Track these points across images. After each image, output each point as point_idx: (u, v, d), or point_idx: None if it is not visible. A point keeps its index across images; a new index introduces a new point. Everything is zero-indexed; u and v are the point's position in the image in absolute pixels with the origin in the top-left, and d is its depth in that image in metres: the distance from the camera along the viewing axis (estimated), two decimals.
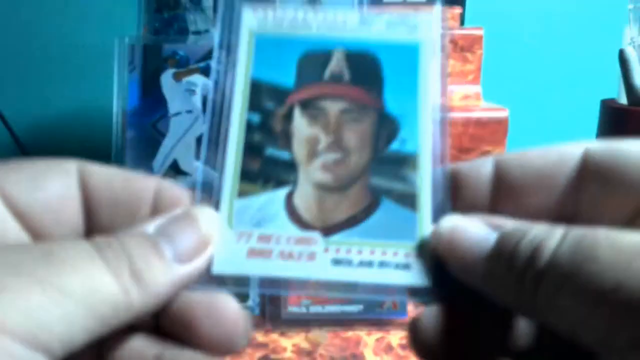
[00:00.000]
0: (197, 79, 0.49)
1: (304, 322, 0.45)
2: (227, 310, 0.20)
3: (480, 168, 0.21)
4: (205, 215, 0.20)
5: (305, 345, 0.43)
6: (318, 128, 0.23)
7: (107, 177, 0.21)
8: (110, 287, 0.16)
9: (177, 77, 0.49)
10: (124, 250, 0.17)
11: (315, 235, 0.22)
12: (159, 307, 0.18)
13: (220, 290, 0.20)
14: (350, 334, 0.45)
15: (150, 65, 0.49)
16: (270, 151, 0.23)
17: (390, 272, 0.21)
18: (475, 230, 0.19)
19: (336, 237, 0.22)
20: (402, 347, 0.44)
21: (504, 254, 0.18)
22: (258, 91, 0.24)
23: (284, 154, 0.23)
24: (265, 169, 0.23)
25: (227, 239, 0.22)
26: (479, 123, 0.51)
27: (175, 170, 0.48)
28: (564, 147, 0.20)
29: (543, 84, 0.77)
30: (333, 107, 0.24)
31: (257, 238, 0.22)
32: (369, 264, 0.21)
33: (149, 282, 0.17)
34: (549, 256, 0.16)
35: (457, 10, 0.57)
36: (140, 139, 0.49)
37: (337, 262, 0.21)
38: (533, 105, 0.76)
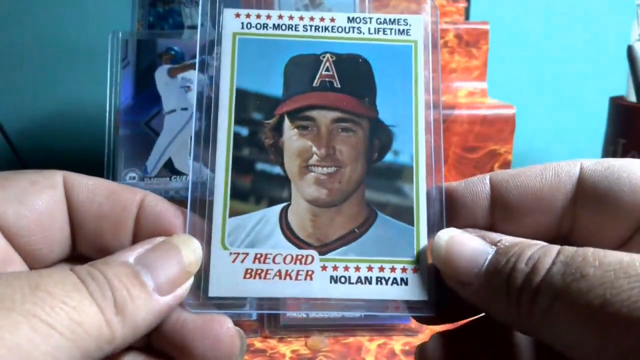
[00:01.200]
0: (193, 75, 0.48)
1: (303, 328, 0.44)
2: (223, 332, 0.20)
3: (477, 187, 0.22)
4: (188, 244, 0.20)
5: (304, 351, 0.42)
6: (309, 140, 0.23)
7: (91, 189, 0.21)
8: (95, 321, 0.16)
9: (172, 74, 0.48)
10: (107, 282, 0.17)
11: (312, 254, 0.21)
12: (138, 338, 0.19)
13: (217, 313, 0.20)
14: (351, 339, 0.44)
15: (144, 61, 0.48)
16: (261, 166, 0.22)
17: (388, 288, 0.21)
18: (472, 244, 0.20)
19: (333, 255, 0.21)
20: (405, 353, 0.43)
21: (502, 271, 0.18)
22: (244, 102, 0.23)
23: (275, 169, 0.22)
24: (256, 185, 0.22)
25: (222, 261, 0.21)
26: (485, 121, 0.49)
27: (170, 170, 0.47)
28: (560, 166, 0.21)
29: (550, 80, 0.77)
30: (324, 117, 0.23)
31: (252, 258, 0.21)
32: (367, 280, 0.21)
33: (131, 315, 0.18)
34: (543, 274, 0.17)
35: (462, 4, 0.56)
36: (133, 137, 0.48)
37: (334, 279, 0.21)
38: (540, 102, 0.75)
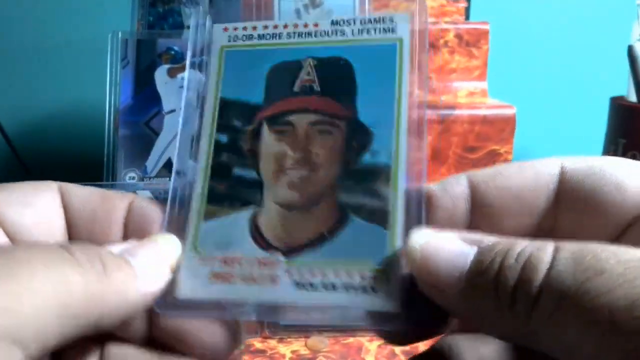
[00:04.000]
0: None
1: (303, 328, 0.44)
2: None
3: (456, 189, 0.20)
4: (168, 241, 0.21)
5: (304, 352, 0.42)
6: (286, 144, 0.22)
7: (85, 195, 0.22)
8: (81, 284, 0.17)
9: (172, 73, 0.48)
10: (96, 253, 0.18)
11: (278, 257, 0.21)
12: (125, 317, 0.19)
13: (187, 316, 0.20)
14: (351, 340, 0.44)
15: (144, 61, 0.49)
16: (238, 171, 0.22)
17: (355, 296, 0.19)
18: (451, 246, 0.18)
19: (299, 259, 0.21)
20: (406, 353, 0.43)
21: (488, 271, 0.16)
22: (227, 110, 0.23)
23: (250, 173, 0.22)
24: (232, 190, 0.22)
25: (192, 264, 0.21)
26: (486, 121, 0.49)
27: (169, 170, 0.47)
28: (540, 164, 0.20)
29: (551, 80, 0.77)
30: (302, 121, 0.22)
31: (220, 262, 0.21)
32: (333, 286, 0.20)
33: (118, 283, 0.18)
34: (545, 271, 0.15)
35: (463, 4, 0.56)
36: (133, 137, 0.48)
37: (299, 285, 0.20)
38: (541, 103, 0.75)
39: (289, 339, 0.44)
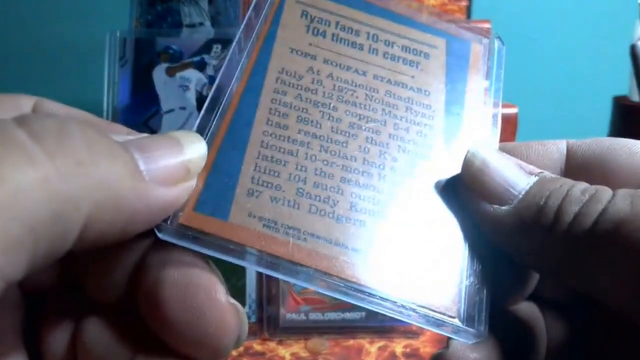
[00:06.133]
0: (191, 74, 0.47)
1: (303, 330, 0.44)
2: (208, 302, 0.15)
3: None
4: (192, 140, 0.16)
5: (304, 354, 0.42)
6: None
7: (62, 113, 0.18)
8: (36, 180, 0.12)
9: (170, 73, 0.48)
10: (67, 130, 0.13)
11: None
12: (113, 229, 0.14)
13: (189, 246, 0.15)
14: (351, 342, 0.44)
15: (143, 60, 0.48)
16: None
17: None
18: (510, 164, 0.18)
19: None
20: (406, 355, 0.43)
21: (550, 198, 0.16)
22: None
23: None
24: None
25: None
26: None
27: None
28: (544, 142, 0.20)
29: (553, 80, 0.77)
30: None
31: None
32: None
33: (104, 173, 0.13)
34: (604, 205, 0.15)
35: (464, 3, 0.56)
36: None
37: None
38: (543, 102, 0.75)
39: (288, 341, 0.43)
